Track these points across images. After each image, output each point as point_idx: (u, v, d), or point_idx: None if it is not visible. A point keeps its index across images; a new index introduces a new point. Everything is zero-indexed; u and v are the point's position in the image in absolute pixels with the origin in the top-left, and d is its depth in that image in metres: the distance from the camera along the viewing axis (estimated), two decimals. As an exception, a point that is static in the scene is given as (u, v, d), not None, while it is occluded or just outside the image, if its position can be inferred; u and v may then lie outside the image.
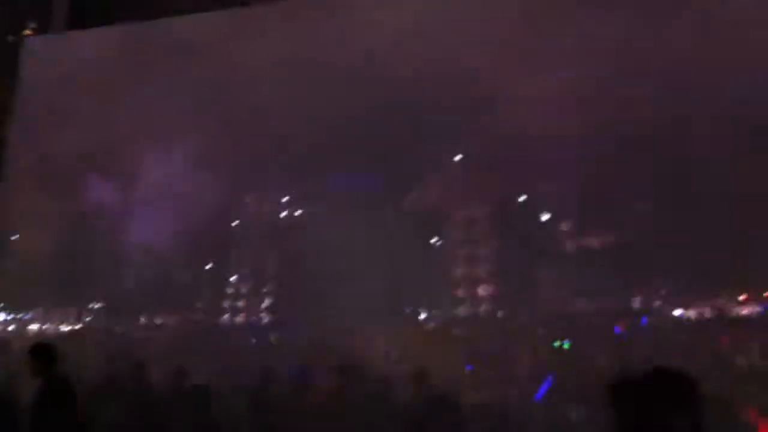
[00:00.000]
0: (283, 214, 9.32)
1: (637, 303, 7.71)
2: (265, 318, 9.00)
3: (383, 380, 8.07)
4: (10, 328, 9.93)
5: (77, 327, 9.72)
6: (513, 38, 8.50)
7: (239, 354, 9.05)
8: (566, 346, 7.95)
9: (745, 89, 7.40)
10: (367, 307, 8.42)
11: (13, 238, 10.48)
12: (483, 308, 8.18)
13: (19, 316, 9.91)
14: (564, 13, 8.43)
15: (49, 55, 11.24)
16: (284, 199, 9.29)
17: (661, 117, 7.70)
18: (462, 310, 8.29)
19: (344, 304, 8.51)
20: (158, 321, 9.42)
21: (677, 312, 7.61)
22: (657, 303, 7.67)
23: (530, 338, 7.96)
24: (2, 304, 10.14)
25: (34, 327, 9.79)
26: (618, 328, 7.68)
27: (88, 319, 9.73)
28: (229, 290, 9.29)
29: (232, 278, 9.28)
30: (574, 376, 7.70)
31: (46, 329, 9.74)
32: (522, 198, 8.42)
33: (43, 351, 7.17)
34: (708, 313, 7.49)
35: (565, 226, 8.10)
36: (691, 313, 7.56)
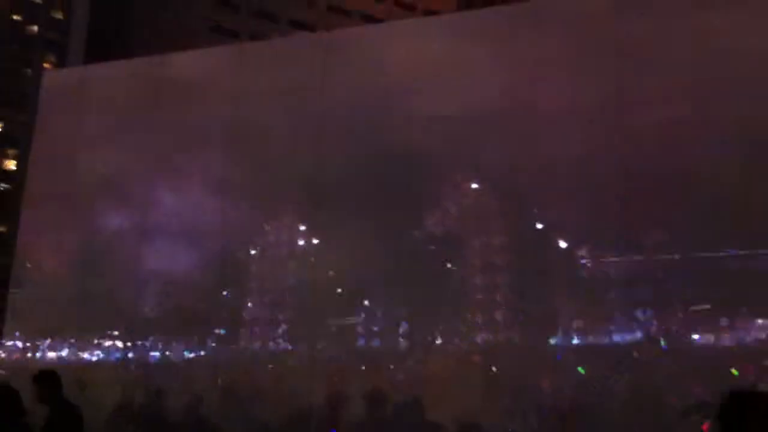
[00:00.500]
0: (301, 242, 9.36)
1: (654, 328, 7.69)
2: (282, 344, 9.01)
3: (401, 408, 8.09)
4: (29, 354, 9.98)
5: (96, 354, 9.75)
6: (527, 65, 8.59)
7: (256, 380, 9.07)
8: (581, 370, 7.93)
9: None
10: (385, 334, 8.45)
11: (30, 266, 10.57)
12: (501, 335, 8.17)
13: (37, 343, 9.95)
14: (579, 37, 8.51)
15: (65, 87, 11.41)
16: (302, 228, 9.33)
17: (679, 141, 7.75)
18: (480, 337, 8.28)
19: (362, 332, 8.55)
20: (176, 347, 9.45)
21: (695, 336, 7.59)
22: (674, 328, 7.64)
23: (549, 364, 7.95)
24: (20, 333, 10.20)
25: (52, 354, 9.83)
26: (635, 353, 7.66)
27: (107, 344, 9.77)
28: (246, 317, 9.31)
29: (249, 305, 9.30)
30: (593, 401, 7.69)
31: (65, 356, 9.77)
32: (539, 225, 8.44)
33: (46, 377, 7.24)
34: (727, 338, 7.47)
35: (583, 252, 8.10)
36: (709, 338, 7.54)
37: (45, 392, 7.18)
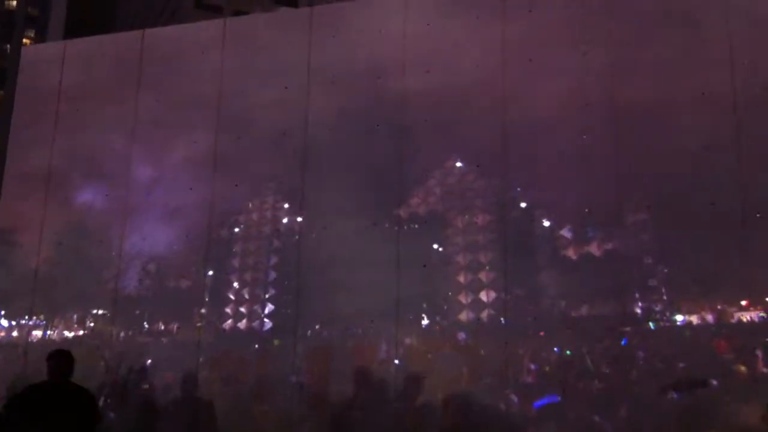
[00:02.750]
0: (285, 220, 9.33)
1: (639, 309, 7.73)
2: (268, 324, 8.99)
3: (387, 386, 8.10)
4: (14, 333, 9.93)
5: (81, 333, 9.72)
6: (518, 41, 8.56)
7: (242, 359, 9.06)
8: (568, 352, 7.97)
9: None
10: (369, 313, 8.45)
11: (11, 244, 10.48)
12: (485, 314, 8.18)
13: (22, 322, 9.90)
14: (571, 17, 8.49)
15: (45, 63, 11.26)
16: (285, 206, 9.29)
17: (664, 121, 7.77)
18: (464, 316, 8.29)
19: (346, 310, 8.54)
20: (161, 326, 9.42)
21: (679, 317, 7.64)
22: (659, 308, 7.69)
23: (533, 344, 7.98)
24: (5, 312, 10.14)
25: (37, 333, 9.78)
26: (620, 334, 7.70)
27: (91, 324, 9.72)
28: (231, 296, 9.28)
29: (234, 284, 9.26)
30: (578, 382, 7.73)
31: (50, 335, 9.73)
32: (523, 204, 8.45)
33: (64, 355, 7.40)
34: (710, 318, 7.52)
35: (566, 233, 8.12)
36: (693, 319, 7.59)
37: (64, 368, 7.38)
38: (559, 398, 7.56)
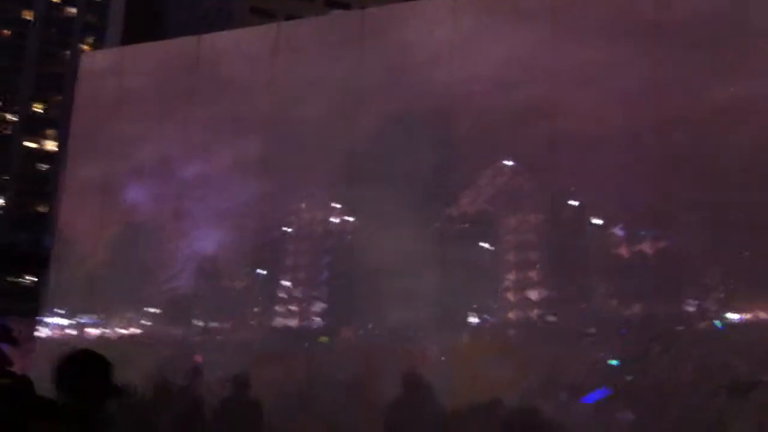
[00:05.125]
0: (336, 221, 9.41)
1: (692, 308, 7.64)
2: (319, 322, 9.08)
3: (435, 386, 8.12)
4: (69, 331, 10.16)
5: (135, 331, 9.90)
6: (566, 45, 8.53)
7: (293, 359, 9.15)
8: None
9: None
10: (419, 311, 8.48)
11: (70, 245, 10.74)
12: (535, 312, 8.16)
13: (78, 320, 10.13)
14: (623, 13, 8.44)
15: (103, 69, 11.52)
16: (337, 206, 9.38)
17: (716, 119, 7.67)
18: (513, 315, 8.28)
19: (395, 309, 8.58)
20: (214, 325, 9.56)
21: (733, 316, 7.52)
22: (713, 307, 7.58)
23: (583, 343, 7.93)
24: (64, 310, 10.38)
25: (92, 331, 10.00)
26: (673, 334, 7.61)
27: (145, 324, 9.91)
28: (283, 295, 9.39)
29: (287, 283, 9.37)
30: (628, 381, 7.67)
31: (105, 333, 9.94)
32: (574, 203, 8.40)
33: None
34: (765, 316, 7.39)
35: (618, 231, 8.06)
36: (748, 317, 7.47)
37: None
38: (609, 391, 7.49)
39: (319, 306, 9.24)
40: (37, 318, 10.45)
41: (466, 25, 9.21)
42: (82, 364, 4.32)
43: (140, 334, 9.92)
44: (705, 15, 8.00)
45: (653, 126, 8.00)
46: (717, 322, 7.52)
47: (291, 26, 12.22)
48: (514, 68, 8.74)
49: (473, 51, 9.03)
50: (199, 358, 9.45)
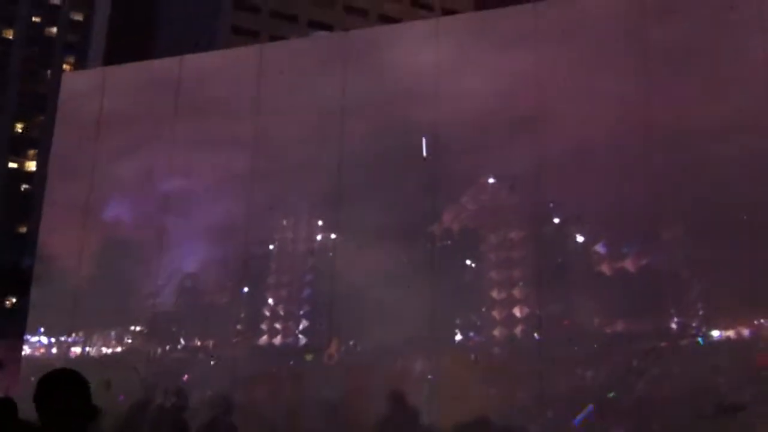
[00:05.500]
0: (319, 237, 9.41)
1: (675, 324, 7.68)
2: (303, 340, 9.06)
3: (421, 403, 8.11)
4: (53, 350, 10.08)
5: (118, 350, 9.84)
6: (548, 64, 8.61)
7: (277, 376, 9.12)
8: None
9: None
10: (403, 329, 8.48)
11: (51, 263, 10.69)
12: (519, 330, 8.18)
13: (62, 339, 10.06)
14: (602, 35, 8.54)
15: (84, 89, 11.50)
16: (319, 223, 9.38)
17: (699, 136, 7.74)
18: (498, 332, 8.29)
19: (379, 326, 8.58)
20: (197, 343, 9.52)
21: (716, 333, 7.57)
22: (695, 324, 7.63)
23: (568, 360, 7.95)
24: (44, 329, 10.31)
25: (76, 350, 9.93)
26: (656, 351, 7.64)
27: (128, 342, 9.85)
28: (266, 313, 9.37)
29: (269, 301, 9.35)
30: (612, 398, 7.68)
31: (88, 352, 9.87)
32: (557, 220, 8.45)
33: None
34: (747, 333, 7.44)
35: (601, 248, 8.10)
36: (730, 334, 7.51)
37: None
38: (593, 408, 7.50)
39: (302, 323, 9.22)
40: (22, 338, 10.37)
41: (450, 45, 9.27)
42: (59, 384, 4.26)
43: (122, 352, 9.87)
44: (687, 36, 8.11)
45: (637, 144, 8.08)
46: (700, 339, 7.56)
47: (275, 48, 12.27)
48: (498, 88, 8.80)
49: (457, 72, 9.09)
50: (182, 377, 9.40)
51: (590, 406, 7.59)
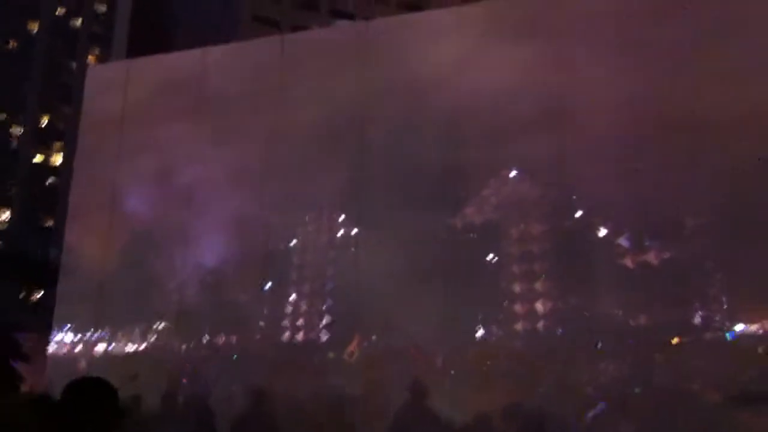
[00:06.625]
0: (340, 232, 9.42)
1: (698, 318, 7.63)
2: (325, 336, 9.08)
3: (443, 396, 8.11)
4: (79, 346, 10.18)
5: (142, 347, 9.92)
6: (570, 57, 8.54)
7: (301, 371, 9.15)
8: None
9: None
10: (425, 322, 8.48)
11: (77, 258, 10.77)
12: (541, 324, 8.16)
13: (87, 333, 10.15)
14: (622, 26, 8.46)
15: (109, 81, 11.57)
16: (341, 218, 9.39)
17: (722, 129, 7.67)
18: (520, 326, 8.28)
19: (401, 321, 8.58)
20: (220, 340, 9.56)
21: (739, 327, 7.51)
22: (718, 317, 7.57)
23: (590, 353, 7.92)
24: (69, 325, 10.40)
25: (102, 345, 10.02)
26: (679, 344, 7.60)
27: (152, 338, 9.92)
28: (289, 309, 9.39)
29: (291, 297, 9.37)
30: (634, 391, 7.66)
31: (112, 349, 9.95)
32: (579, 213, 8.40)
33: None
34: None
35: (623, 242, 8.05)
36: (755, 327, 7.45)
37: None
38: (605, 405, 7.50)
39: (324, 318, 9.23)
40: (49, 332, 10.47)
41: (472, 36, 9.21)
42: (90, 395, 4.32)
43: (147, 348, 9.93)
44: (696, 31, 8.02)
45: (658, 136, 8.01)
46: (723, 333, 7.51)
47: (295, 38, 12.26)
48: (518, 80, 8.75)
49: (478, 62, 9.03)
50: (206, 372, 9.46)
51: (601, 403, 7.57)
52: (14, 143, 69.19)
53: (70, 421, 4.21)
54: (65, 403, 4.28)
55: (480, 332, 8.51)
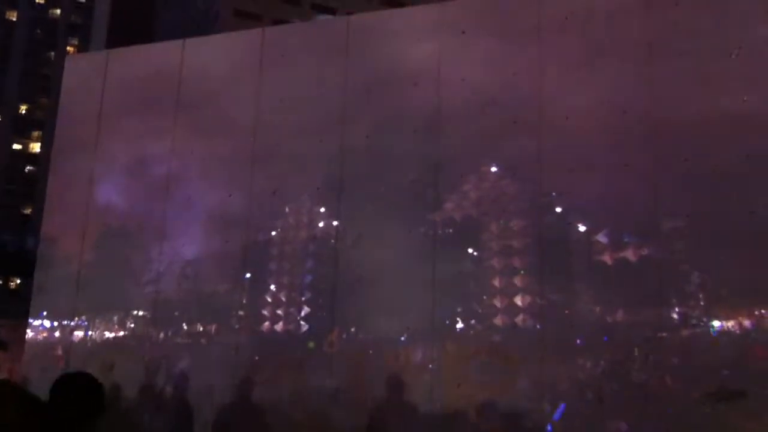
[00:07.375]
0: (321, 224, 9.42)
1: (675, 315, 7.69)
2: (304, 326, 9.09)
3: (421, 391, 8.14)
4: (56, 333, 10.14)
5: (120, 334, 9.89)
6: (553, 54, 8.59)
7: (280, 363, 9.14)
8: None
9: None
10: (404, 317, 8.50)
11: (55, 246, 10.72)
12: (520, 318, 8.19)
13: (64, 322, 10.11)
14: (603, 25, 8.50)
15: (88, 71, 11.49)
16: (321, 210, 9.39)
17: (700, 128, 7.74)
18: (499, 320, 8.31)
19: (381, 314, 8.60)
20: (199, 329, 9.55)
21: (716, 323, 7.58)
22: (695, 314, 7.64)
23: (569, 349, 7.97)
24: (47, 313, 10.36)
25: (79, 333, 9.98)
26: (657, 340, 7.65)
27: (131, 326, 9.90)
28: (268, 299, 9.39)
29: (271, 287, 9.37)
30: (613, 387, 7.71)
31: (91, 336, 9.92)
32: (558, 209, 8.45)
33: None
34: (748, 324, 7.45)
35: (602, 238, 8.10)
36: (731, 324, 7.52)
37: None
38: (565, 406, 7.57)
39: (303, 310, 9.24)
40: (25, 319, 10.44)
41: (452, 33, 9.23)
42: (78, 391, 4.35)
43: (125, 337, 9.91)
44: (688, 32, 8.08)
45: (638, 134, 8.06)
46: (700, 330, 7.57)
47: (276, 32, 12.22)
48: (501, 77, 8.78)
49: (459, 59, 9.06)
50: (184, 362, 9.45)
51: (562, 405, 7.63)
52: (-8, 132, 68.66)
53: (54, 419, 4.21)
54: (54, 400, 4.28)
55: (459, 326, 8.54)
